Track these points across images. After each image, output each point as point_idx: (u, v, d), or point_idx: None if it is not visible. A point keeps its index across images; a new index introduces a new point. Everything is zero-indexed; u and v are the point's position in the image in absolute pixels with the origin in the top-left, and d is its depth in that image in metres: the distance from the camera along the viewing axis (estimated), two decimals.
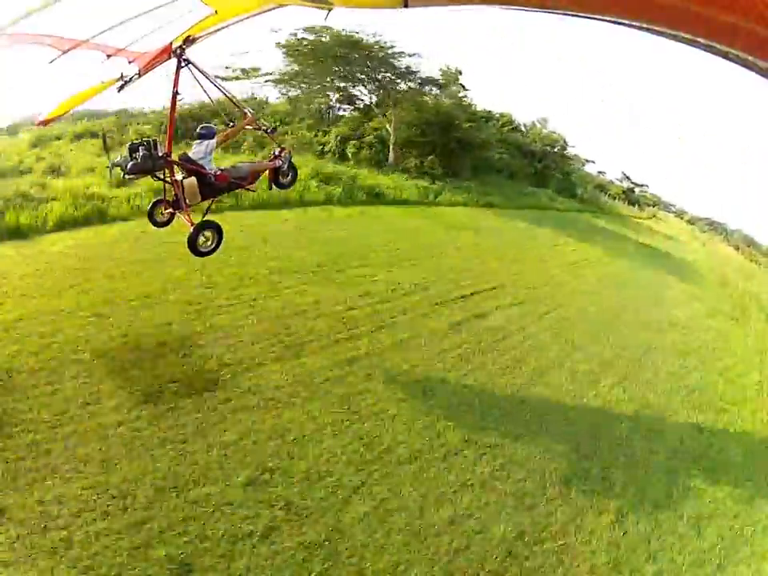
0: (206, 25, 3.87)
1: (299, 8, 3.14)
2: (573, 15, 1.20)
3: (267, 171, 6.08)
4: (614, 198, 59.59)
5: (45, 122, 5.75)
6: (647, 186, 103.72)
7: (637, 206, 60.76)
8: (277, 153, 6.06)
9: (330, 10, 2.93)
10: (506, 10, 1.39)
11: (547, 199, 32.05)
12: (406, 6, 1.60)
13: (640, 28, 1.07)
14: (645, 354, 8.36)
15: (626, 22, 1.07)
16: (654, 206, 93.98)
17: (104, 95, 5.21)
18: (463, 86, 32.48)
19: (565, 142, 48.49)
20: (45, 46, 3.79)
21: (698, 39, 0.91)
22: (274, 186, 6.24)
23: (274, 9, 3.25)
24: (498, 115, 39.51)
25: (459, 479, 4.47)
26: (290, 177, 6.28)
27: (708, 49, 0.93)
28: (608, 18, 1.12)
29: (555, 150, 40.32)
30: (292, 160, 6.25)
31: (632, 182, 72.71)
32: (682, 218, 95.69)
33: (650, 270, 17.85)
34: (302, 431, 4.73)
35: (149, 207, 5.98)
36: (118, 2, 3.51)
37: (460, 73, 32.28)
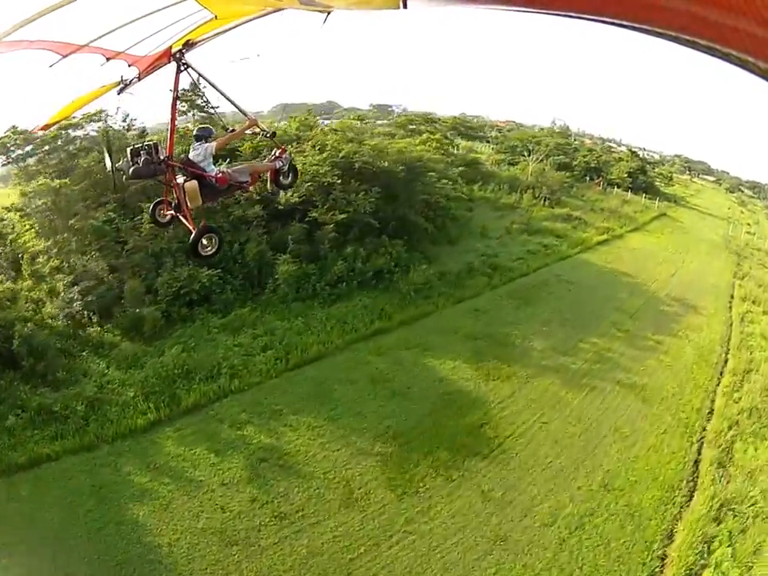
0: (206, 29, 3.88)
1: (298, 12, 3.15)
2: (571, 16, 1.20)
3: (268, 172, 6.09)
4: (617, 186, 46.28)
5: (46, 127, 5.77)
6: (674, 156, 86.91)
7: (644, 193, 46.34)
8: (277, 154, 6.06)
9: (328, 13, 2.93)
10: (503, 10, 1.39)
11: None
12: (404, 6, 1.61)
13: (640, 30, 1.07)
14: None
15: (626, 23, 1.07)
16: (688, 173, 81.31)
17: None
18: None
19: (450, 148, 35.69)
20: (44, 51, 3.80)
21: (699, 41, 0.91)
22: (275, 187, 6.26)
23: (272, 12, 3.25)
24: None
25: None
26: (290, 177, 6.28)
27: (709, 51, 0.93)
28: (607, 20, 1.11)
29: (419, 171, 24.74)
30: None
31: (641, 160, 54.64)
32: (720, 185, 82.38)
33: None
34: None
35: (150, 208, 6.03)
36: (117, 6, 3.52)
37: None
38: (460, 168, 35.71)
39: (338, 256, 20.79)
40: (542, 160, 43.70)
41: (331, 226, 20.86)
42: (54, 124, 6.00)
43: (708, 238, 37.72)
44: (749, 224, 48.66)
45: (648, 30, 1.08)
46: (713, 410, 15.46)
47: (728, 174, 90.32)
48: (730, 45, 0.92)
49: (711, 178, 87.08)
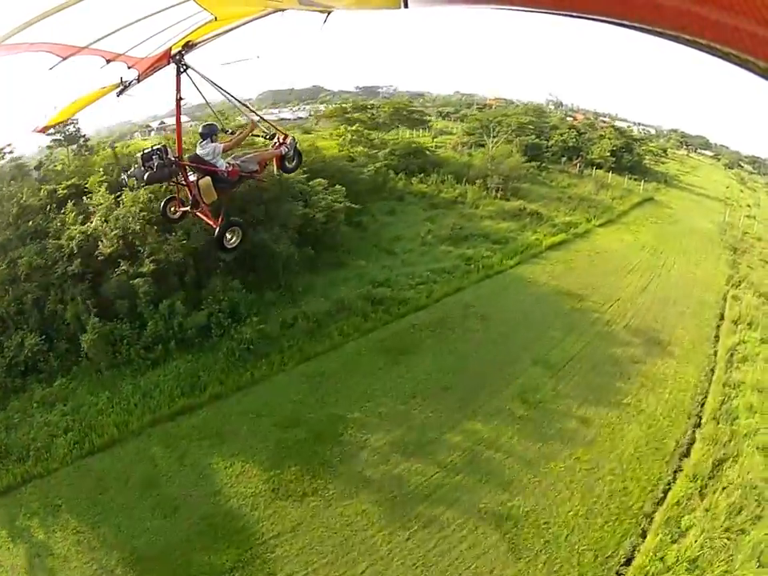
0: (206, 30, 3.88)
1: (298, 12, 3.16)
2: (572, 16, 1.21)
3: (274, 158, 6.14)
4: (598, 167, 40.38)
5: (45, 129, 5.77)
6: (671, 130, 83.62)
7: (628, 173, 40.65)
8: (281, 140, 6.08)
9: (329, 14, 2.94)
10: (504, 10, 1.41)
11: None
12: (405, 6, 1.62)
13: (640, 29, 1.08)
14: None
15: (627, 23, 1.08)
16: (685, 148, 78.55)
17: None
18: None
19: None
20: (44, 53, 3.81)
21: (700, 41, 0.92)
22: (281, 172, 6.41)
23: (272, 13, 3.26)
24: None
25: None
26: (295, 161, 6.38)
27: (709, 50, 0.94)
28: (608, 19, 1.13)
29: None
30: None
31: (627, 138, 47.75)
32: (718, 160, 75.00)
33: None
34: None
35: (161, 205, 6.13)
36: (117, 8, 3.52)
37: None
38: (385, 161, 30.44)
39: (154, 312, 16.82)
40: (511, 140, 37.34)
41: (142, 278, 17.05)
42: (53, 126, 6.00)
43: (700, 228, 30.43)
44: (749, 205, 42.46)
45: (648, 30, 1.09)
46: (632, 558, 9.26)
47: (727, 148, 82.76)
48: (731, 44, 0.93)
49: (709, 153, 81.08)
